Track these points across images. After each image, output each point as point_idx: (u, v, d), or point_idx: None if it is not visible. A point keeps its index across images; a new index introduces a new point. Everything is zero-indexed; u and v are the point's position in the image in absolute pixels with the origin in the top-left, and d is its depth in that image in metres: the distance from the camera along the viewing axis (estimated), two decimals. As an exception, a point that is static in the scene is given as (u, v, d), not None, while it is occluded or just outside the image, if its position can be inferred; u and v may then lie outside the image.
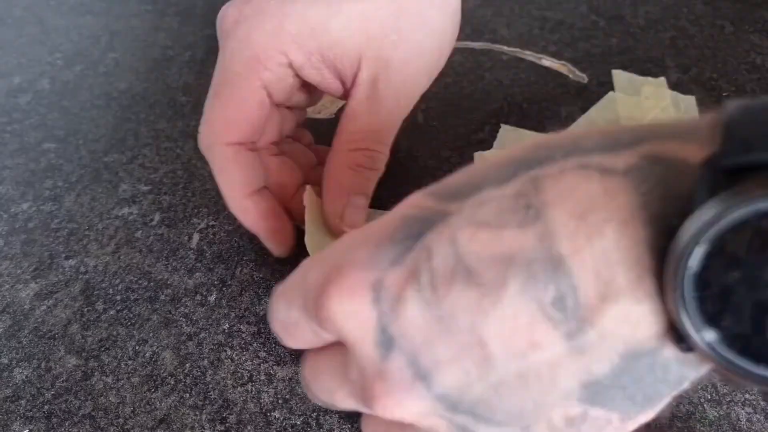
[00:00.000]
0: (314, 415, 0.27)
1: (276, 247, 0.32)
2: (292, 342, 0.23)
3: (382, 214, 0.23)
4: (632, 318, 0.16)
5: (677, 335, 0.16)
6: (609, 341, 0.17)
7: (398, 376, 0.19)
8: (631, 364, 0.17)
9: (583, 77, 0.43)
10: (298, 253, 0.32)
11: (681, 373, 0.18)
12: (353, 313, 0.19)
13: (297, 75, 0.31)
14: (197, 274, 0.33)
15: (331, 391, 0.22)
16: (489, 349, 0.17)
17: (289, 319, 0.22)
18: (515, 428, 0.19)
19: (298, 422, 0.27)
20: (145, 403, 0.28)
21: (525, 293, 0.17)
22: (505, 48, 0.45)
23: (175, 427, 0.28)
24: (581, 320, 0.17)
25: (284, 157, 0.33)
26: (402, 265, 0.19)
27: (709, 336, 0.16)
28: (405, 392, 0.19)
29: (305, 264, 0.22)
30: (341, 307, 0.19)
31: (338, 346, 0.22)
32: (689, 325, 0.16)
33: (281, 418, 0.27)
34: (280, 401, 0.28)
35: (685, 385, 0.19)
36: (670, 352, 0.17)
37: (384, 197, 0.36)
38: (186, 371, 0.29)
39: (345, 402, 0.22)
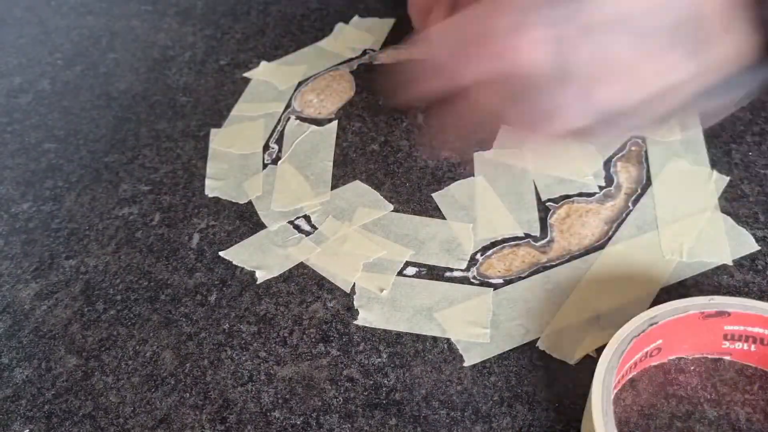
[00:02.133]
0: (314, 415, 0.27)
1: None
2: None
3: None
4: (742, 45, 0.24)
5: None
6: (725, 64, 0.25)
7: (571, 99, 0.26)
8: (731, 78, 0.25)
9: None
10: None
11: (752, 81, 0.26)
12: (537, 52, 0.25)
13: None
14: (197, 274, 0.33)
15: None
16: (642, 74, 0.25)
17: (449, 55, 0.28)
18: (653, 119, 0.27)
19: (298, 422, 0.27)
20: (146, 403, 0.28)
21: (672, 37, 0.24)
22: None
23: (175, 426, 0.28)
24: (710, 51, 0.24)
25: None
26: (576, 20, 0.24)
27: None
28: (576, 110, 0.26)
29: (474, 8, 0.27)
30: (530, 55, 0.25)
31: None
32: None
33: (281, 418, 0.27)
34: (280, 401, 0.28)
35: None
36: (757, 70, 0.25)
37: (386, 197, 0.36)
38: (186, 371, 0.29)
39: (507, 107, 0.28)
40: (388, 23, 0.48)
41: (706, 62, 0.24)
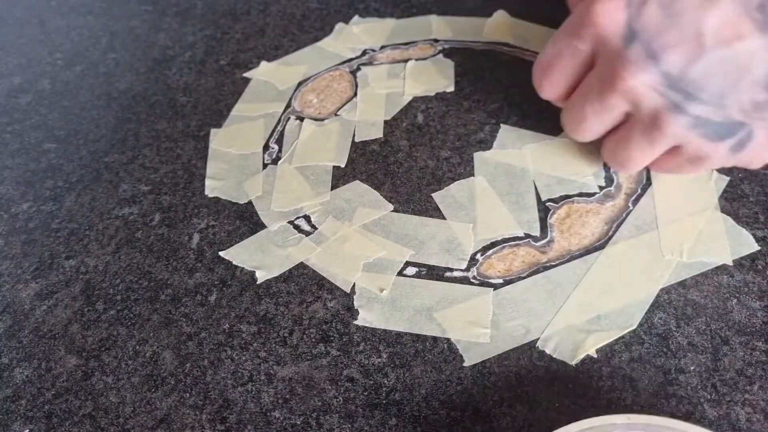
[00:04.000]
0: (314, 415, 0.27)
1: None
2: (548, 79, 0.33)
3: None
4: None
5: None
6: None
7: (635, 57, 0.27)
8: None
9: (583, 77, 0.43)
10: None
11: None
12: (609, 14, 0.28)
13: None
14: (197, 274, 0.33)
15: (585, 101, 0.31)
16: (704, 39, 0.26)
17: (553, 52, 0.32)
18: (715, 107, 0.27)
19: (298, 422, 0.27)
20: (146, 403, 0.28)
21: (742, 3, 0.25)
22: (505, 48, 0.45)
23: (175, 427, 0.28)
24: None
25: None
26: None
27: None
28: (639, 67, 0.27)
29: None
30: (602, 9, 0.28)
31: (586, 77, 0.31)
32: None
33: (281, 418, 0.27)
34: (280, 401, 0.28)
35: None
36: None
37: (386, 197, 0.36)
38: (186, 371, 0.29)
39: (592, 101, 0.30)
40: (388, 23, 0.48)
41: None
